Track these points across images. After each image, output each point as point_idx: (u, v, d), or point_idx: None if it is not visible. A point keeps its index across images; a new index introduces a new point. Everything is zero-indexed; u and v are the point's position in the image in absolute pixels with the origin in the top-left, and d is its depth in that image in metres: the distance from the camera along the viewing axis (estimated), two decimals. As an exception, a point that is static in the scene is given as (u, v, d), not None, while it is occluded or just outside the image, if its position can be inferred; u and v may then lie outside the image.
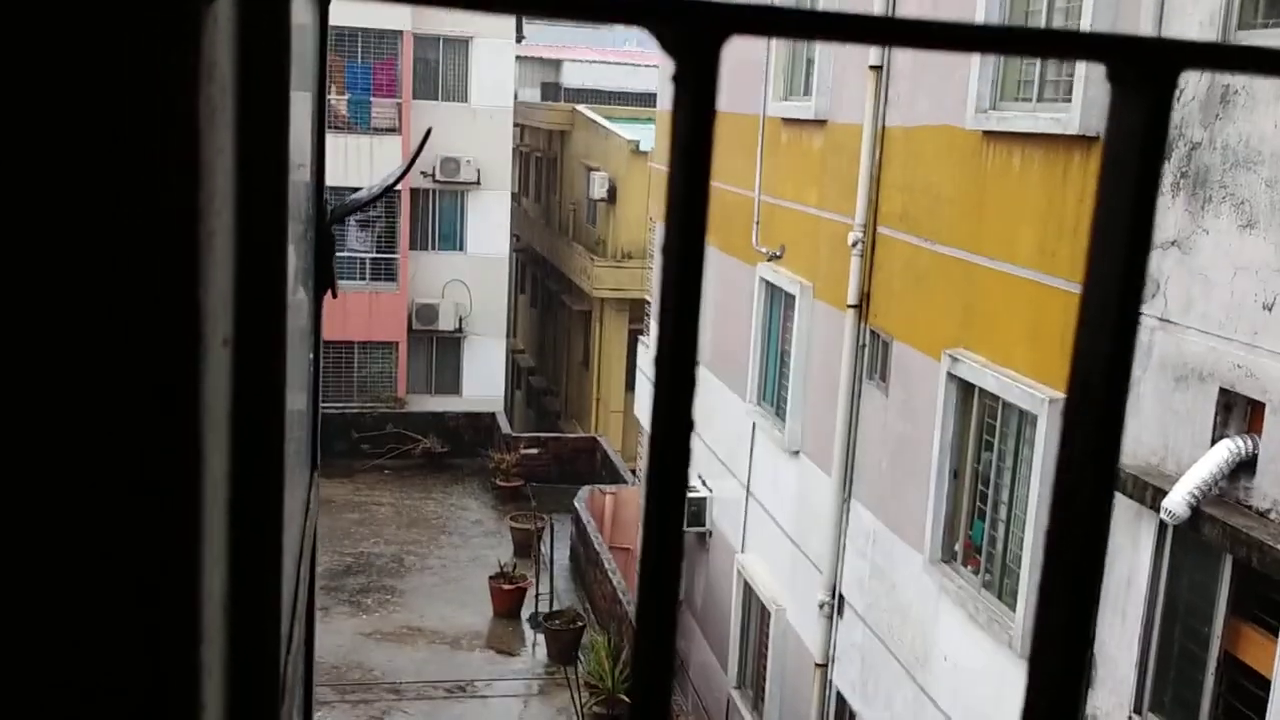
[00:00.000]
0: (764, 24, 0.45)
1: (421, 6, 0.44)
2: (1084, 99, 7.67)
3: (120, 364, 0.42)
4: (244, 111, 0.56)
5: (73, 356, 0.44)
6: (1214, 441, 6.46)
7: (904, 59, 10.43)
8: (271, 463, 0.66)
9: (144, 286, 0.42)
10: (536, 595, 18.71)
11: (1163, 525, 6.79)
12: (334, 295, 1.71)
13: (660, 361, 0.46)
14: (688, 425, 0.49)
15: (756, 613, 13.80)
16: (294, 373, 1.37)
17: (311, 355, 1.60)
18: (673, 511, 0.48)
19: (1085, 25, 7.72)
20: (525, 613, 18.88)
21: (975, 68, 9.00)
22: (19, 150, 0.41)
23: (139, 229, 0.41)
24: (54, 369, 0.43)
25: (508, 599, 18.84)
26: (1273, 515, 6.12)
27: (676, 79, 0.46)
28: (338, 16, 27.22)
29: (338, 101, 26.48)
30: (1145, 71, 0.49)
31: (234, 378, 0.57)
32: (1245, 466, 6.30)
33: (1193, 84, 6.76)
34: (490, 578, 19.08)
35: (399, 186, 26.52)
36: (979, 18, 8.98)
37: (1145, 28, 7.11)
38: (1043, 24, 8.50)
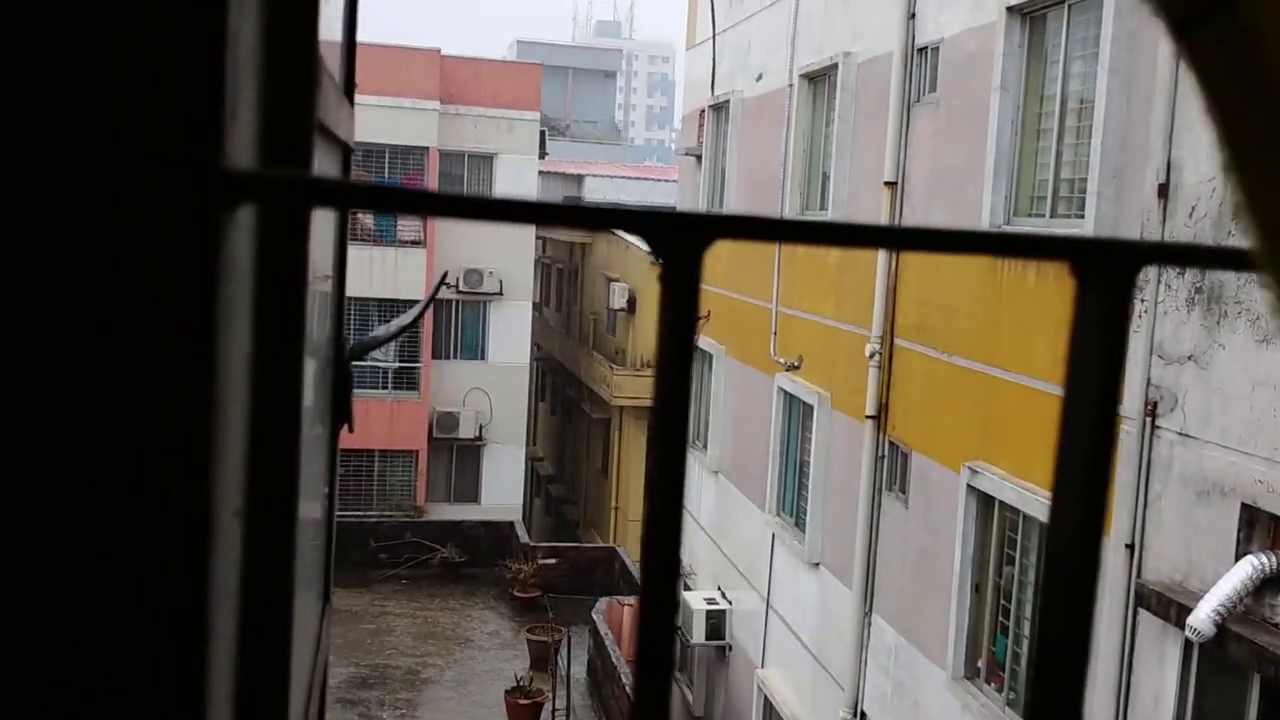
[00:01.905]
0: (739, 230, 0.48)
1: (434, 218, 0.48)
2: (1097, 213, 7.76)
3: (125, 557, 0.45)
4: (263, 301, 0.60)
5: (94, 532, 0.46)
6: (1238, 558, 6.38)
7: (919, 174, 10.59)
8: (280, 632, 0.68)
9: (157, 473, 0.45)
10: (554, 711, 18.39)
11: (1188, 643, 6.68)
12: (350, 430, 1.74)
13: (646, 550, 0.48)
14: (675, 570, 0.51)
15: (777, 730, 13.52)
16: (311, 507, 1.39)
17: (326, 489, 1.63)
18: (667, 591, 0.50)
19: (1095, 146, 7.85)
20: (542, 728, 18.54)
21: (989, 181, 9.14)
22: (43, 351, 0.44)
23: (153, 424, 0.44)
24: (77, 542, 0.45)
25: (524, 714, 18.52)
26: (1301, 634, 6.02)
27: (662, 278, 0.50)
28: (365, 133, 27.81)
29: (364, 215, 26.93)
30: (1105, 269, 0.52)
31: (245, 546, 0.60)
32: (1271, 583, 6.22)
33: (1204, 200, 6.83)
34: (506, 692, 18.78)
35: (422, 298, 26.81)
36: (989, 156, 9.13)
37: (1155, 145, 7.22)
38: (1053, 150, 8.65)
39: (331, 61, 1.46)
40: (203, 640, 0.45)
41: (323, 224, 1.40)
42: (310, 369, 1.26)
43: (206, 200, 0.44)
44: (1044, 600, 0.54)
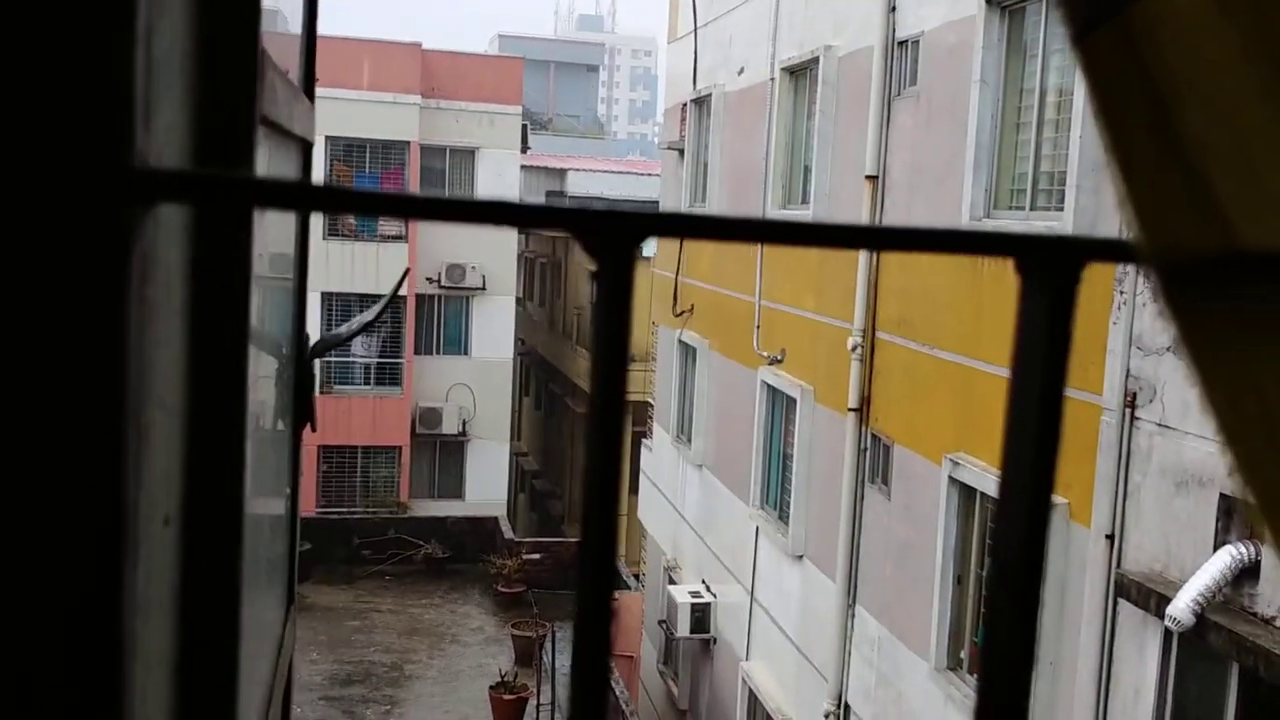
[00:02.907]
0: (671, 228, 0.47)
1: (357, 215, 0.46)
2: (1076, 206, 7.78)
3: (36, 562, 0.43)
4: (199, 304, 0.58)
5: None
6: (1216, 547, 6.41)
7: (900, 167, 10.60)
8: (226, 642, 0.67)
9: (64, 477, 0.43)
10: (538, 705, 18.39)
11: (1168, 633, 6.71)
12: (313, 429, 1.72)
13: (582, 558, 0.47)
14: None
15: (762, 722, 13.55)
16: (269, 507, 1.38)
17: (289, 489, 1.61)
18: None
19: (1075, 139, 7.86)
20: (527, 723, 18.54)
21: (969, 174, 9.15)
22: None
23: (63, 426, 0.43)
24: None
25: (509, 710, 18.52)
26: (1278, 622, 6.05)
27: (595, 277, 0.49)
28: (346, 128, 27.64)
29: (344, 209, 26.84)
30: (1049, 266, 0.51)
31: (182, 554, 0.58)
32: (1249, 573, 6.25)
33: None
34: (491, 687, 18.78)
35: (405, 293, 26.75)
36: (969, 149, 9.15)
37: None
38: (1033, 143, 8.67)
39: (288, 56, 1.44)
40: (116, 649, 0.44)
41: (280, 222, 1.39)
42: (266, 368, 1.24)
43: (111, 198, 0.42)
44: (991, 598, 0.53)
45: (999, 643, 0.53)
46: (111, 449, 0.43)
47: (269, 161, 1.00)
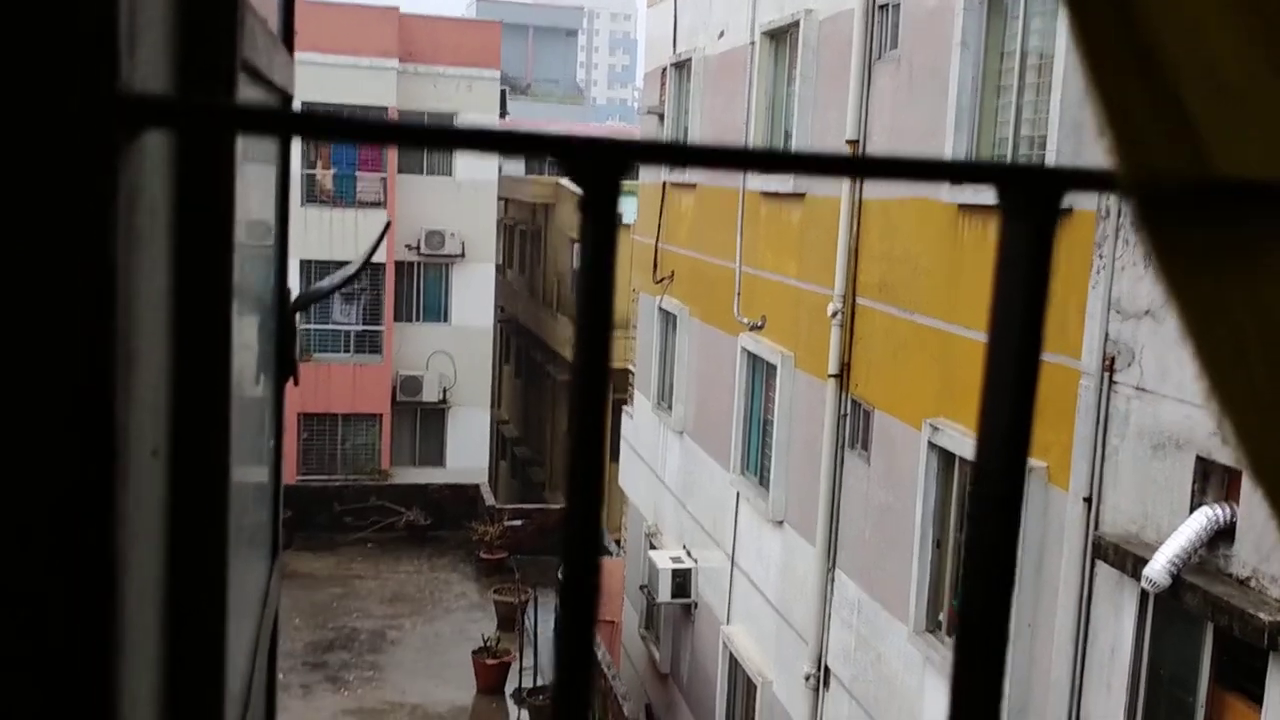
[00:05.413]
0: (657, 155, 0.48)
1: (345, 143, 0.46)
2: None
3: (29, 483, 0.43)
4: (183, 232, 0.58)
5: None
6: (1193, 509, 6.48)
7: (881, 131, 10.59)
8: (213, 574, 0.67)
9: (56, 413, 0.43)
10: (521, 670, 18.50)
11: (1144, 594, 6.79)
12: (295, 383, 1.72)
13: (571, 475, 0.48)
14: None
15: (743, 685, 13.67)
16: (252, 458, 1.38)
17: (273, 441, 1.61)
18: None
19: (1055, 102, 7.87)
20: (509, 688, 18.65)
21: (950, 137, 9.15)
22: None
23: (51, 354, 0.43)
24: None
25: (491, 674, 18.62)
26: (1252, 583, 6.13)
27: (582, 206, 0.49)
28: (323, 94, 27.36)
29: (323, 176, 26.69)
30: (1032, 194, 0.52)
31: (170, 486, 0.59)
32: (1224, 534, 6.32)
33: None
34: (474, 652, 18.87)
35: (384, 260, 26.65)
36: (950, 112, 9.14)
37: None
38: (1013, 106, 8.67)
39: (267, 7, 1.43)
40: (111, 567, 0.44)
41: (262, 175, 1.38)
42: (249, 316, 1.24)
43: (99, 123, 0.42)
44: (971, 525, 0.54)
45: (975, 601, 0.54)
46: (103, 368, 0.43)
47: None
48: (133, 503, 0.49)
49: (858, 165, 0.50)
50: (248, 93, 0.95)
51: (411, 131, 0.48)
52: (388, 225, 4.30)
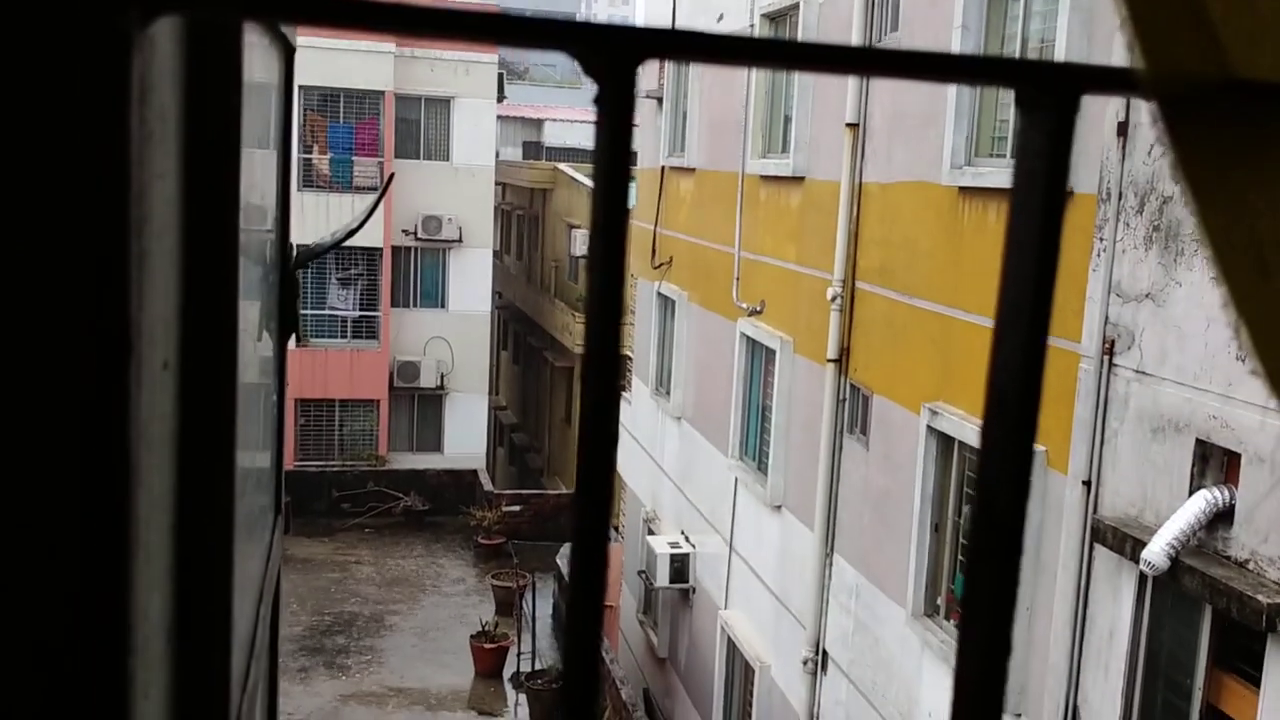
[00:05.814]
0: (675, 48, 0.47)
1: (355, 29, 0.46)
2: (1056, 154, 7.77)
3: (45, 377, 0.43)
4: (192, 137, 0.58)
5: None
6: (1191, 492, 6.48)
7: (880, 117, 10.57)
8: (220, 484, 0.67)
9: (72, 303, 0.43)
10: (519, 654, 18.53)
11: (1143, 577, 6.80)
12: (299, 341, 1.71)
13: (587, 367, 0.47)
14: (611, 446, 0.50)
15: (740, 670, 13.70)
16: (253, 405, 1.37)
17: (276, 398, 1.60)
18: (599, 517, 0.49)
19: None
20: (507, 672, 18.69)
21: (950, 121, 9.13)
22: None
23: (64, 247, 0.42)
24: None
25: (489, 658, 18.65)
26: (1251, 566, 6.14)
27: (597, 100, 0.48)
28: (320, 77, 27.32)
29: (320, 161, 26.62)
30: (1049, 94, 0.51)
31: (180, 399, 0.58)
32: (1223, 517, 6.33)
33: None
34: (472, 637, 18.90)
35: (381, 245, 26.60)
36: (950, 97, 9.11)
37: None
38: (1012, 103, 8.64)
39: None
40: (124, 470, 0.44)
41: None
42: (255, 275, 1.23)
43: (110, 7, 0.42)
44: (981, 467, 0.54)
45: (981, 583, 0.53)
46: (117, 262, 0.43)
47: (256, 58, 0.98)
48: (146, 411, 0.48)
49: (873, 59, 0.49)
50: (252, 39, 0.94)
51: (424, 15, 0.47)
52: (391, 177, 4.28)
